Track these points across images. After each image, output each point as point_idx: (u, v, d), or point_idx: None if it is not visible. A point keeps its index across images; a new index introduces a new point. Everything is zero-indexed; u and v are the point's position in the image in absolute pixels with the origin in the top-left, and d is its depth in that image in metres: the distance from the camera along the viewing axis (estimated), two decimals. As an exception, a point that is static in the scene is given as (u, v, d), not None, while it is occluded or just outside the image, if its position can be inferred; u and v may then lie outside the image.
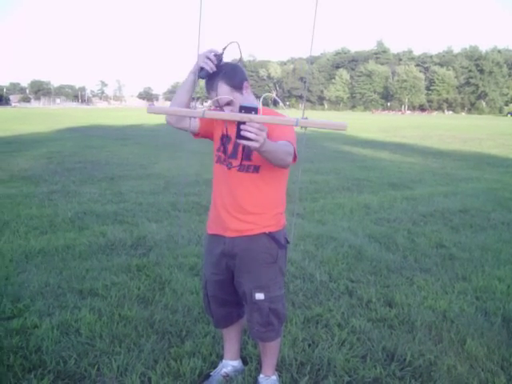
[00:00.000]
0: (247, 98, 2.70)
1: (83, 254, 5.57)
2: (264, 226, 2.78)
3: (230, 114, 2.30)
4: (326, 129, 2.14)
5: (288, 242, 2.93)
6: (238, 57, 2.76)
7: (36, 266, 5.15)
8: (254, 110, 2.11)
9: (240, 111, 2.11)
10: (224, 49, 2.64)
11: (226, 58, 2.66)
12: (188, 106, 2.72)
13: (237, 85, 2.64)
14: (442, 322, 4.04)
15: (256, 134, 2.10)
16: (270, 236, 2.79)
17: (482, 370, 3.34)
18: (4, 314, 4.03)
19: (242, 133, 2.11)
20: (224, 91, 2.60)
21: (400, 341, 3.70)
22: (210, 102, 2.69)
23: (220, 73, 2.61)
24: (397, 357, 3.48)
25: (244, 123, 2.10)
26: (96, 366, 3.29)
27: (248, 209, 2.72)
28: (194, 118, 2.31)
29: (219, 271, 2.91)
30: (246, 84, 2.69)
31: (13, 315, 4.02)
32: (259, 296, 2.82)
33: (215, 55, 2.60)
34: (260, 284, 2.81)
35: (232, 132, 2.64)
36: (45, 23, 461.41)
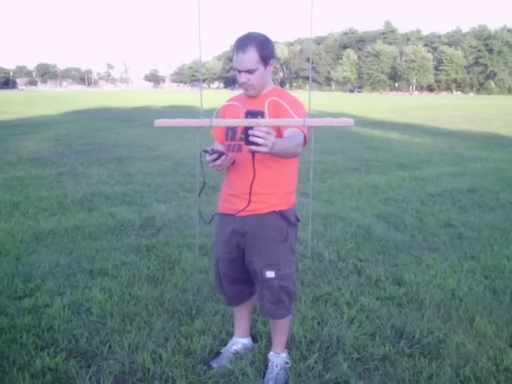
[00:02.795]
0: (267, 74, 2.71)
1: (93, 235, 5.60)
2: (274, 205, 2.79)
3: (237, 121, 2.30)
4: (333, 126, 2.13)
5: (298, 220, 2.94)
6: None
7: (46, 247, 5.20)
8: (260, 114, 2.10)
9: (246, 116, 2.10)
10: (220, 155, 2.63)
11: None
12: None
13: (265, 57, 2.64)
14: (451, 301, 4.05)
15: (264, 139, 2.10)
16: (280, 214, 2.80)
17: (491, 348, 3.36)
18: (16, 294, 4.07)
19: (251, 138, 2.10)
20: (252, 57, 2.60)
21: (409, 319, 3.72)
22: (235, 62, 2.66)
23: (254, 39, 2.61)
24: (406, 334, 3.50)
25: (251, 128, 2.09)
26: (107, 344, 3.33)
27: (258, 190, 2.71)
28: (202, 127, 2.29)
29: (230, 250, 2.93)
30: (271, 61, 2.70)
31: (24, 295, 4.07)
32: (270, 274, 2.83)
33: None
34: (270, 262, 2.82)
35: (237, 115, 2.64)
36: (50, 6, 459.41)
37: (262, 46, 2.63)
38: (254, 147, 2.12)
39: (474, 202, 7.39)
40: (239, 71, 2.66)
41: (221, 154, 2.58)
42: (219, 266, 3.02)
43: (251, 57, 2.60)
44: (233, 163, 2.76)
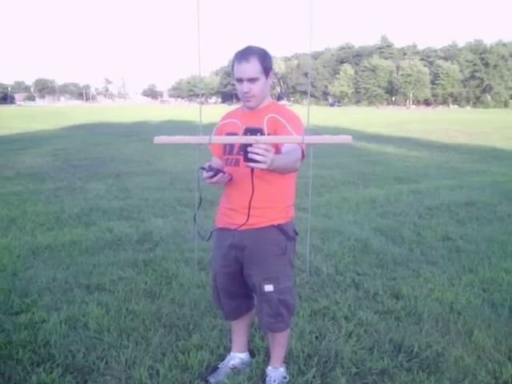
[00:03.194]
0: (267, 86, 2.75)
1: (90, 250, 5.59)
2: (273, 219, 2.80)
3: (236, 138, 2.30)
4: (331, 143, 2.15)
5: (297, 234, 2.94)
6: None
7: (43, 262, 5.18)
8: (260, 131, 2.11)
9: (245, 134, 2.11)
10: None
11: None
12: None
13: (266, 68, 2.70)
14: (449, 314, 4.04)
15: (263, 156, 2.11)
16: (279, 228, 2.80)
17: (490, 361, 3.34)
18: (12, 309, 4.05)
19: (250, 155, 2.11)
20: (255, 66, 2.65)
21: (407, 332, 3.70)
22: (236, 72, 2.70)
23: (256, 50, 2.67)
24: (404, 348, 3.48)
25: (251, 145, 2.10)
26: (104, 360, 3.31)
27: (256, 205, 2.72)
28: (201, 144, 2.31)
29: (228, 263, 2.92)
30: (271, 73, 2.75)
31: (21, 310, 4.05)
32: (268, 288, 2.82)
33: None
34: (269, 276, 2.82)
35: (235, 130, 2.66)
36: (48, 21, 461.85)
37: (264, 57, 2.69)
38: (253, 164, 2.12)
39: (471, 215, 7.39)
40: (241, 81, 2.68)
41: (217, 172, 2.60)
42: (217, 280, 3.01)
43: (254, 66, 2.64)
44: (230, 179, 2.77)
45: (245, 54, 2.66)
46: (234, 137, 2.37)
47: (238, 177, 2.77)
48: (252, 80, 2.66)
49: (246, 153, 2.12)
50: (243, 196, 2.67)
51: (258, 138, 2.09)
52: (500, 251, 5.66)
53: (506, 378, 3.14)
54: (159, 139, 2.33)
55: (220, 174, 2.61)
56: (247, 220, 2.67)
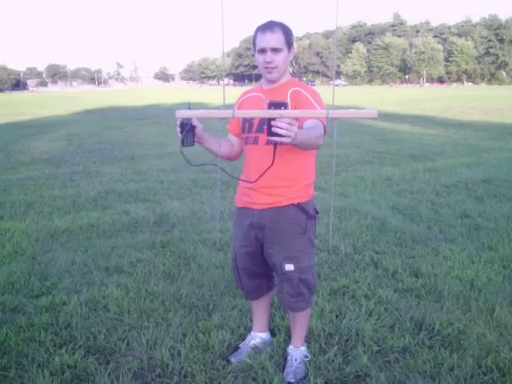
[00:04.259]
0: (288, 60, 2.72)
1: (107, 233, 5.61)
2: (292, 198, 2.77)
3: (260, 112, 2.25)
4: (357, 118, 2.12)
5: (317, 213, 2.91)
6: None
7: (61, 245, 5.21)
8: (284, 105, 2.07)
9: (269, 108, 2.07)
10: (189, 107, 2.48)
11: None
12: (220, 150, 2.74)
13: (289, 42, 2.69)
14: (470, 291, 4.00)
15: (287, 130, 2.07)
16: (299, 207, 2.77)
17: (512, 338, 3.32)
18: (32, 292, 4.08)
19: (273, 129, 2.07)
20: (279, 37, 2.63)
21: (428, 310, 3.68)
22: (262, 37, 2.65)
23: (280, 24, 2.67)
24: (425, 326, 3.46)
25: (274, 119, 2.07)
26: (125, 341, 3.33)
27: (276, 183, 2.70)
28: (225, 118, 2.27)
29: (248, 243, 2.91)
30: (292, 49, 2.74)
31: (41, 293, 4.07)
32: (289, 267, 2.81)
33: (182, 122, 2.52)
34: (290, 255, 2.80)
35: (256, 106, 2.62)
36: (59, 7, 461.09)
37: (287, 31, 2.68)
38: (276, 138, 2.09)
39: (489, 193, 7.31)
40: (264, 51, 2.65)
41: (189, 125, 2.52)
42: (237, 260, 3.00)
43: (278, 37, 2.63)
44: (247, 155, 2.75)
45: (270, 25, 2.65)
46: (257, 111, 2.34)
47: (257, 155, 2.74)
48: (275, 50, 2.63)
49: (269, 127, 2.08)
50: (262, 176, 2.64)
51: (283, 112, 2.05)
52: (520, 228, 5.60)
53: (529, 354, 3.11)
54: (181, 113, 2.30)
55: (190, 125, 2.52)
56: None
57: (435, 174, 8.78)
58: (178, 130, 2.51)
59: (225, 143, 2.89)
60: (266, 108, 2.09)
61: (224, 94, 2.35)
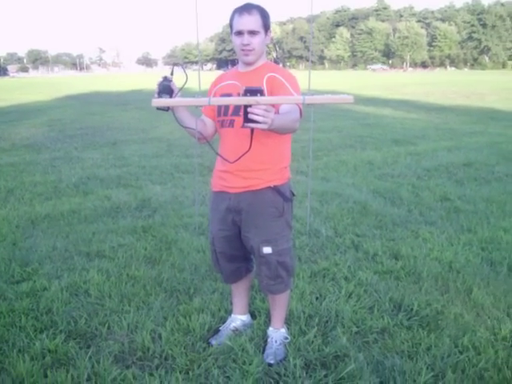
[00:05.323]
0: (265, 43, 2.72)
1: (89, 218, 5.59)
2: (269, 181, 2.77)
3: (236, 99, 2.24)
4: (333, 103, 2.12)
5: (294, 195, 2.92)
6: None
7: (42, 231, 5.18)
8: (260, 91, 2.06)
9: (245, 94, 2.06)
10: (172, 73, 2.58)
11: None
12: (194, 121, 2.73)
13: (266, 24, 2.68)
14: (448, 273, 4.06)
15: (264, 117, 2.07)
16: (276, 189, 2.78)
17: (489, 318, 3.37)
18: (13, 278, 4.07)
19: (250, 116, 2.07)
20: (256, 20, 2.63)
21: (407, 291, 3.73)
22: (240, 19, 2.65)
23: (257, 6, 2.67)
24: (404, 307, 3.51)
25: (250, 106, 2.07)
26: (106, 325, 3.33)
27: (252, 167, 2.71)
28: (200, 106, 2.27)
29: (226, 227, 2.92)
30: (269, 33, 2.73)
31: (22, 279, 4.06)
32: (267, 250, 2.82)
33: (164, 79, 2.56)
34: (267, 238, 2.81)
35: (231, 91, 2.64)
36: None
37: (264, 13, 2.68)
38: (253, 124, 2.08)
39: (469, 176, 7.39)
40: (241, 34, 2.64)
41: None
42: (215, 244, 3.01)
43: (256, 19, 2.62)
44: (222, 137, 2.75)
45: (247, 7, 2.64)
46: (233, 98, 2.32)
47: (232, 138, 2.74)
48: (252, 33, 2.62)
49: (246, 114, 2.08)
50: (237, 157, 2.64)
51: (259, 98, 2.05)
52: (498, 211, 5.67)
53: (504, 333, 3.16)
54: (157, 102, 2.29)
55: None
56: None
57: (416, 157, 8.84)
58: (157, 90, 2.53)
59: (199, 121, 2.87)
60: (242, 95, 2.09)
61: (200, 81, 2.34)
